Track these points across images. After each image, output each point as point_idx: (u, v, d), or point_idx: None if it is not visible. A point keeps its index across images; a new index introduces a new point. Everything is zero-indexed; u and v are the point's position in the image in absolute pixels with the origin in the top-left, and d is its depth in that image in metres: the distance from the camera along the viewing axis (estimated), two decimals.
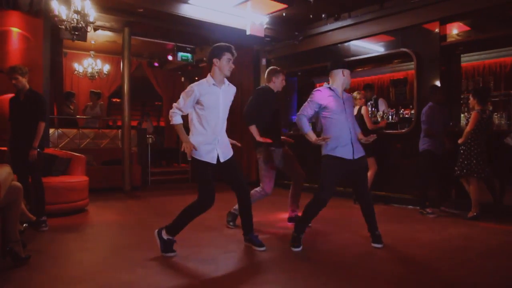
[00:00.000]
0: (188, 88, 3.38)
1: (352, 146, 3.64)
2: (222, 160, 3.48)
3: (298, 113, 3.77)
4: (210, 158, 3.42)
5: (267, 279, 2.95)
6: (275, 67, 4.74)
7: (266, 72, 4.72)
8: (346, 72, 3.79)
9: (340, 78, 3.79)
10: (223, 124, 3.50)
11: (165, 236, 3.46)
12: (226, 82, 3.49)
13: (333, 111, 3.66)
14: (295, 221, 4.30)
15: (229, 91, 3.53)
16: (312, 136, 3.66)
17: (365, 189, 3.77)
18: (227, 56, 3.38)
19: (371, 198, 3.82)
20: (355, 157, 3.64)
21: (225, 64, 3.38)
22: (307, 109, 3.72)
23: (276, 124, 4.58)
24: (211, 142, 3.41)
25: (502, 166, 5.30)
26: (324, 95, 3.72)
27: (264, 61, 8.83)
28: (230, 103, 3.55)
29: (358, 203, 3.88)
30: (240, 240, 4.00)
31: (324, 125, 3.72)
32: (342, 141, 3.62)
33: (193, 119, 3.42)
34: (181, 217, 3.48)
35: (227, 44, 3.46)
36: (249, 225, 3.73)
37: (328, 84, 3.86)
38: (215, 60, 3.39)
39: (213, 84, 3.39)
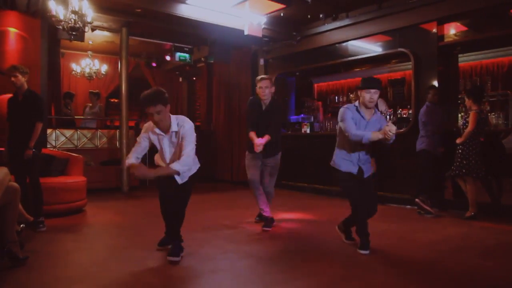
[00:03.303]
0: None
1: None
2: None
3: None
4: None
5: (266, 279, 2.95)
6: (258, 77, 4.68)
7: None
8: (363, 92, 3.58)
9: (360, 97, 3.65)
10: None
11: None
12: (173, 129, 3.35)
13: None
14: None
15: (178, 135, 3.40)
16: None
17: None
18: (150, 110, 3.21)
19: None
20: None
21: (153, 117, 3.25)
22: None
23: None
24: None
25: (499, 166, 5.32)
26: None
27: (262, 61, 8.83)
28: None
29: None
30: (239, 240, 4.01)
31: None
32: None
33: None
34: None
35: (144, 96, 3.25)
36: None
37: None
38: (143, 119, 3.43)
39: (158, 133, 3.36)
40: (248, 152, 4.69)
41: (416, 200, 5.41)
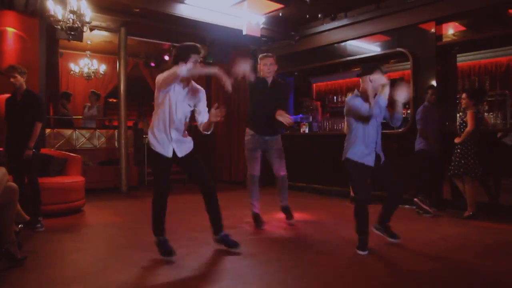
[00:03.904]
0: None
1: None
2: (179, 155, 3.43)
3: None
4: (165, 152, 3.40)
5: (265, 279, 2.95)
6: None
7: None
8: (373, 77, 3.61)
9: (367, 84, 3.66)
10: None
11: (155, 239, 3.44)
12: (193, 84, 3.45)
13: None
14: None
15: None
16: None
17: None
18: (193, 58, 3.32)
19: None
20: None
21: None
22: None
23: (258, 112, 4.47)
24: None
25: (497, 165, 5.32)
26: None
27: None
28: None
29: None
30: (238, 240, 4.00)
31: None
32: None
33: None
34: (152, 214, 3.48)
35: (193, 44, 3.41)
36: (218, 224, 3.63)
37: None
38: (180, 64, 3.32)
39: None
40: (250, 138, 4.52)
41: (415, 199, 5.41)
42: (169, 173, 3.51)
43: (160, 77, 3.30)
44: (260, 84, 4.52)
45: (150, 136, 3.42)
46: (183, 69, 3.21)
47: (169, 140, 3.40)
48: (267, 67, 4.49)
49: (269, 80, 4.54)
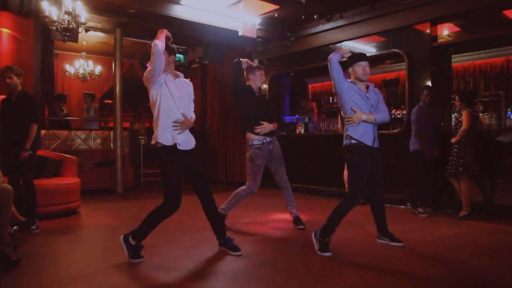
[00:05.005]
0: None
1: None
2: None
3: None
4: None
5: (264, 280, 2.95)
6: (250, 64, 4.63)
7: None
8: (356, 66, 3.72)
9: (352, 74, 3.77)
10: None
11: (132, 241, 3.38)
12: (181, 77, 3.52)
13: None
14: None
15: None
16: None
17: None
18: (173, 57, 3.42)
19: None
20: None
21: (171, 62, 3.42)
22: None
23: (258, 117, 4.44)
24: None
25: (492, 166, 5.35)
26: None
27: (256, 62, 8.82)
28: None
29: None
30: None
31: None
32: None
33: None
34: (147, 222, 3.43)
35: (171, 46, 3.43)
36: (221, 229, 3.65)
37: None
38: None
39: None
40: (259, 153, 4.39)
41: (419, 208, 5.43)
42: (180, 179, 3.39)
43: (145, 73, 3.28)
44: (250, 93, 4.53)
45: (159, 134, 3.29)
46: (157, 41, 3.22)
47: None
48: (262, 78, 4.59)
49: (255, 88, 4.59)
